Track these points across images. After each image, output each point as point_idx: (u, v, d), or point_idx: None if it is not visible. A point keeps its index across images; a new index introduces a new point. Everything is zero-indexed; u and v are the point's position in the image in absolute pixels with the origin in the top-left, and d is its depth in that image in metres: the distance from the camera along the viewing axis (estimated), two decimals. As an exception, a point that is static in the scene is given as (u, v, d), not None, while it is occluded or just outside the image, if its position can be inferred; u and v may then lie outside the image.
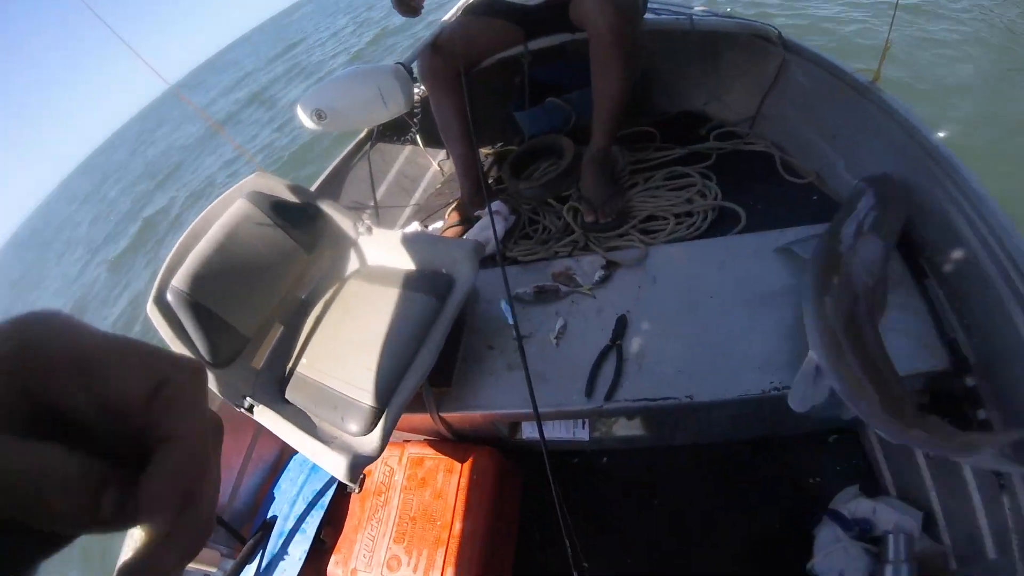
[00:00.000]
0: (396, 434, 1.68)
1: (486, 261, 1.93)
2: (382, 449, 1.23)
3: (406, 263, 1.61)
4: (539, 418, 1.11)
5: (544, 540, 1.64)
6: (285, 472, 1.69)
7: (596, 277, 1.69)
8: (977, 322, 1.30)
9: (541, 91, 2.49)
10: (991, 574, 1.13)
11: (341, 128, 1.79)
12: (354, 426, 1.26)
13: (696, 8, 2.41)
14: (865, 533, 1.32)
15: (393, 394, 1.29)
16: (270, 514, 1.60)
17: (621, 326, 1.53)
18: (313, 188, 2.19)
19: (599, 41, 1.66)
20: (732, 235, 1.71)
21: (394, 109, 1.74)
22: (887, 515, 1.33)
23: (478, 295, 1.82)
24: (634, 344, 1.49)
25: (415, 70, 1.87)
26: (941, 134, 1.48)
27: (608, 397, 1.39)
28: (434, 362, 1.33)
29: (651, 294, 1.62)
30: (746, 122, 2.33)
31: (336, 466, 1.18)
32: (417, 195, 2.80)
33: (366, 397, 1.28)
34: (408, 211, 2.63)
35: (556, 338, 1.57)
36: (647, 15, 2.10)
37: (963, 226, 1.34)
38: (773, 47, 2.20)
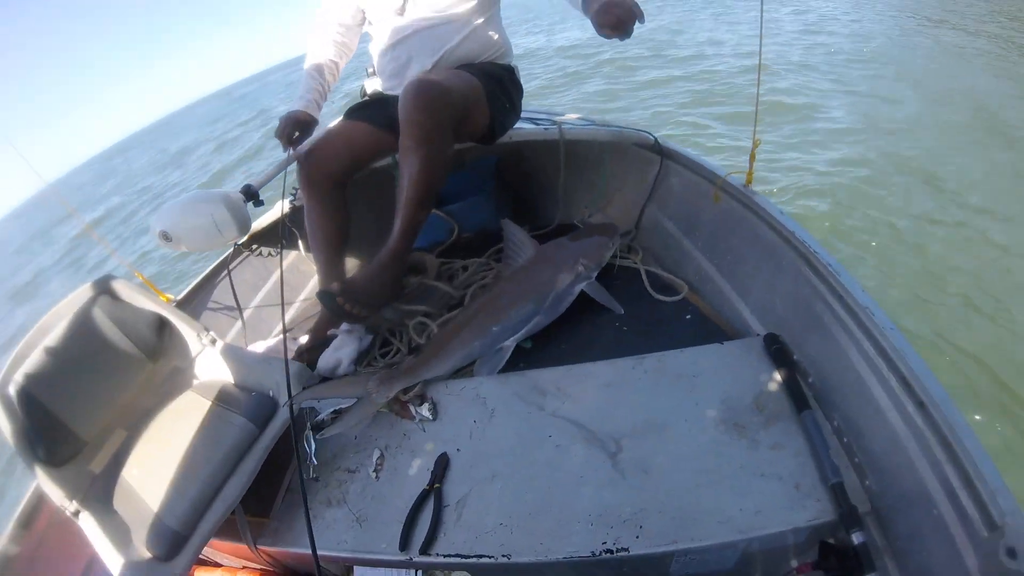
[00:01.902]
0: (235, 561, 1.59)
1: None
2: None
3: (240, 380, 1.61)
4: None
5: None
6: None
7: (425, 411, 1.54)
8: (870, 461, 1.21)
9: None
10: None
11: (189, 250, 1.84)
12: (156, 549, 1.25)
13: (572, 117, 2.49)
14: None
15: (199, 521, 1.28)
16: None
17: (441, 467, 1.41)
18: (180, 296, 2.19)
19: (401, 132, 1.70)
20: (586, 363, 1.60)
21: (229, 236, 1.81)
22: None
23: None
24: (456, 489, 1.37)
25: (259, 194, 1.95)
26: (817, 237, 1.53)
27: (423, 551, 1.26)
28: (244, 491, 1.33)
29: (486, 431, 1.48)
30: (627, 235, 2.34)
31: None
32: (296, 305, 2.65)
33: (172, 521, 1.26)
34: (281, 324, 2.48)
35: (375, 471, 1.46)
36: (522, 124, 2.19)
37: (849, 346, 1.30)
38: (650, 155, 2.26)
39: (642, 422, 1.40)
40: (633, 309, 1.90)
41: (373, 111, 2.05)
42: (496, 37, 2.05)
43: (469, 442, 1.46)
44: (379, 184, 2.20)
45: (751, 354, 1.54)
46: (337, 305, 1.76)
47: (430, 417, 1.52)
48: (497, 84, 1.96)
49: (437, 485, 1.36)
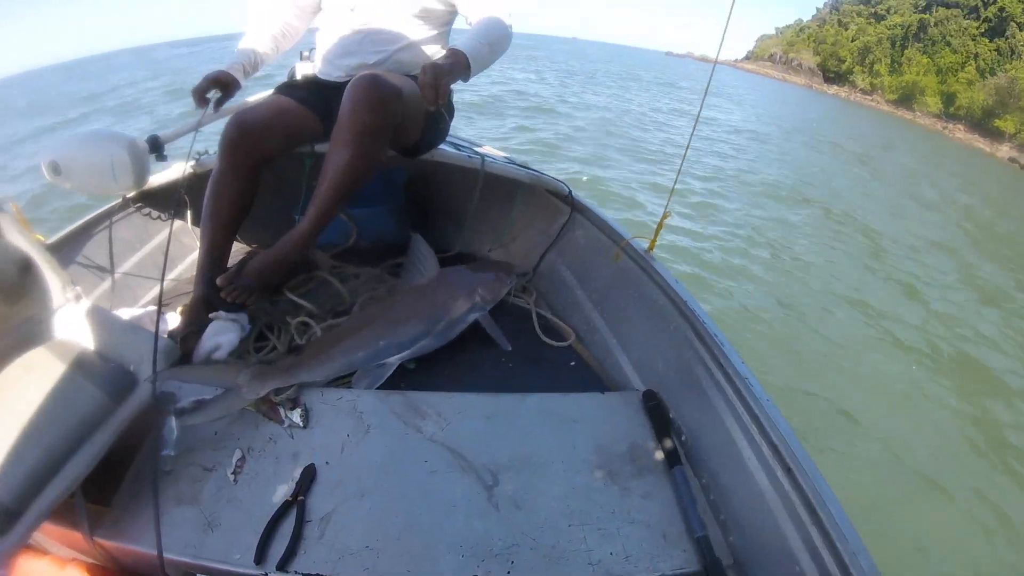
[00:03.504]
0: (65, 551, 1.40)
1: None
2: (4, 560, 1.10)
3: (101, 346, 1.45)
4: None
5: None
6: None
7: (296, 416, 1.48)
8: (734, 517, 1.31)
9: None
10: None
11: (76, 189, 1.73)
12: None
13: (493, 151, 2.59)
14: None
15: (35, 498, 1.14)
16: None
17: (307, 479, 1.35)
18: (50, 240, 1.95)
19: (339, 121, 1.68)
20: (470, 393, 1.63)
21: (122, 185, 1.72)
22: None
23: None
24: (321, 504, 1.31)
25: (165, 148, 1.88)
26: (707, 308, 1.69)
27: (281, 566, 1.19)
28: (88, 470, 1.20)
29: (359, 446, 1.46)
30: (525, 276, 2.41)
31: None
32: (171, 279, 2.46)
33: (3, 492, 1.12)
34: (152, 293, 2.31)
35: (233, 473, 1.36)
36: (444, 147, 2.23)
37: (724, 411, 1.42)
38: (562, 204, 2.39)
39: (520, 458, 1.44)
40: (520, 347, 1.97)
41: (308, 94, 2.01)
42: (442, 50, 2.09)
43: (340, 456, 1.42)
44: (282, 172, 2.12)
45: (629, 407, 1.64)
46: (220, 299, 1.72)
47: (300, 424, 1.47)
48: None
49: (301, 497, 1.29)
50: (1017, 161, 37.51)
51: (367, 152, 1.70)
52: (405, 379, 1.76)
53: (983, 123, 47.75)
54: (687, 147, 2.01)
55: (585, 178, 8.08)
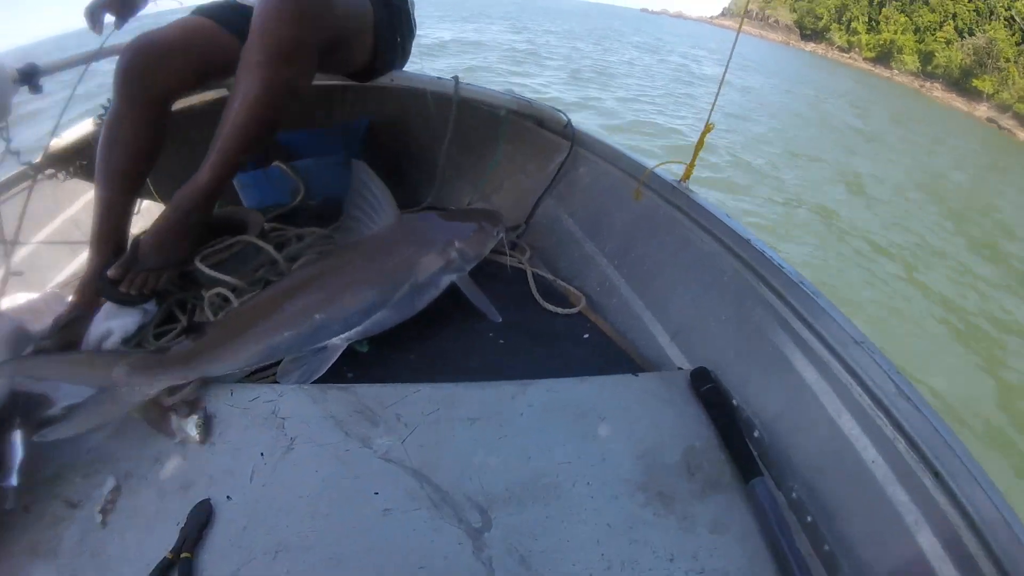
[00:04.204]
0: None
1: None
2: None
3: None
4: None
5: None
6: None
7: (191, 427, 1.02)
8: (849, 549, 0.94)
9: (267, 152, 2.12)
10: None
11: None
12: None
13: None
14: None
15: None
16: None
17: (198, 523, 0.90)
18: None
19: (248, 38, 1.35)
20: (444, 383, 1.20)
21: None
22: None
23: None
24: (217, 564, 0.87)
25: (41, 79, 1.65)
26: (779, 252, 1.29)
27: None
28: None
29: (277, 472, 1.00)
30: (516, 229, 2.03)
31: None
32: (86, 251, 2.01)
33: None
34: (66, 272, 1.93)
35: (102, 512, 0.93)
36: (408, 68, 1.93)
37: (821, 388, 1.06)
38: (559, 139, 2.00)
39: (522, 481, 1.01)
40: (515, 318, 1.53)
41: (227, 13, 1.68)
42: None
43: (248, 487, 0.96)
44: (198, 121, 1.67)
45: (673, 393, 1.22)
46: (121, 294, 1.38)
47: (196, 438, 1.01)
48: (389, 13, 1.72)
49: (186, 554, 0.85)
50: (995, 122, 38.32)
51: (281, 79, 1.34)
52: (355, 367, 1.32)
53: (961, 83, 48.64)
54: (731, 55, 1.56)
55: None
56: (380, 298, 1.33)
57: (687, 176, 1.53)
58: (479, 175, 2.25)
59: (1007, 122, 37.83)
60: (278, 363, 1.23)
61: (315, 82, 1.51)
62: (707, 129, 1.47)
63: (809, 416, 1.05)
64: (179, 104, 1.62)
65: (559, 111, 1.96)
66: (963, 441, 0.83)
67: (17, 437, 0.96)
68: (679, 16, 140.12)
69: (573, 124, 1.94)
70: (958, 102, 45.57)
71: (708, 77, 18.66)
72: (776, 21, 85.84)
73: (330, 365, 1.23)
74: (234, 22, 1.65)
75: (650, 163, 1.64)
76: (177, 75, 1.57)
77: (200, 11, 1.71)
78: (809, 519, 0.99)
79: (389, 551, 0.89)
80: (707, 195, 1.49)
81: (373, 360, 1.36)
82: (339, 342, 1.28)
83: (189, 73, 1.60)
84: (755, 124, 11.74)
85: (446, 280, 1.46)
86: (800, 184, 8.56)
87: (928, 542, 0.82)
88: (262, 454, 1.00)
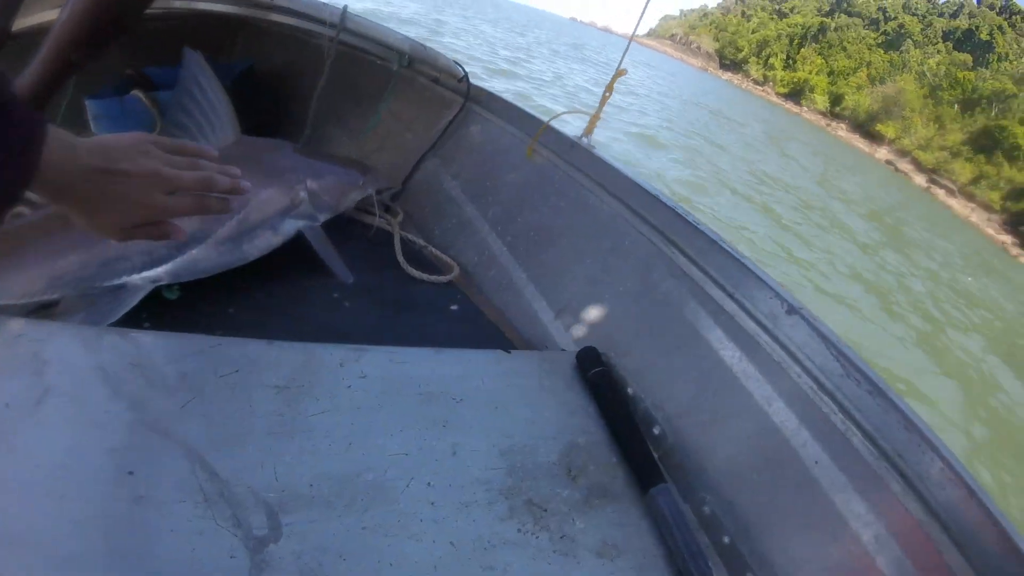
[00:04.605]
0: None
1: None
2: None
3: None
4: None
5: None
6: None
7: None
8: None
9: (128, 81, 1.88)
10: None
11: None
12: None
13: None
14: None
15: None
16: None
17: None
18: None
19: None
20: (260, 340, 0.95)
21: None
22: None
23: None
24: None
25: None
26: (691, 213, 1.12)
27: None
28: None
29: (23, 430, 0.71)
30: (389, 189, 1.78)
31: None
32: None
33: None
34: None
35: None
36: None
37: (743, 371, 0.88)
38: (451, 94, 1.82)
39: (336, 476, 0.74)
40: (370, 282, 1.30)
41: None
42: None
43: None
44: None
45: (555, 376, 0.99)
46: None
47: None
48: None
49: None
50: (893, 164, 42.17)
51: None
52: (156, 318, 1.06)
53: (865, 125, 52.57)
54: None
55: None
56: (198, 232, 1.07)
57: (590, 130, 1.36)
58: (360, 126, 2.02)
59: (904, 166, 41.89)
60: (61, 300, 0.99)
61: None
62: (618, 74, 1.32)
63: (729, 407, 0.86)
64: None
65: (456, 63, 1.77)
66: (936, 431, 0.65)
67: None
68: (606, 30, 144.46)
69: (470, 79, 1.75)
70: (860, 143, 49.47)
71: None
72: (699, 47, 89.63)
73: (128, 309, 0.98)
74: None
75: (542, 116, 1.47)
76: None
77: None
78: (727, 540, 0.81)
79: (137, 555, 0.62)
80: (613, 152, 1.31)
81: (182, 309, 1.10)
82: (140, 281, 1.02)
83: None
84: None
85: (289, 226, 1.21)
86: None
87: (895, 566, 0.64)
88: (8, 405, 0.71)
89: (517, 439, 0.85)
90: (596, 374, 0.96)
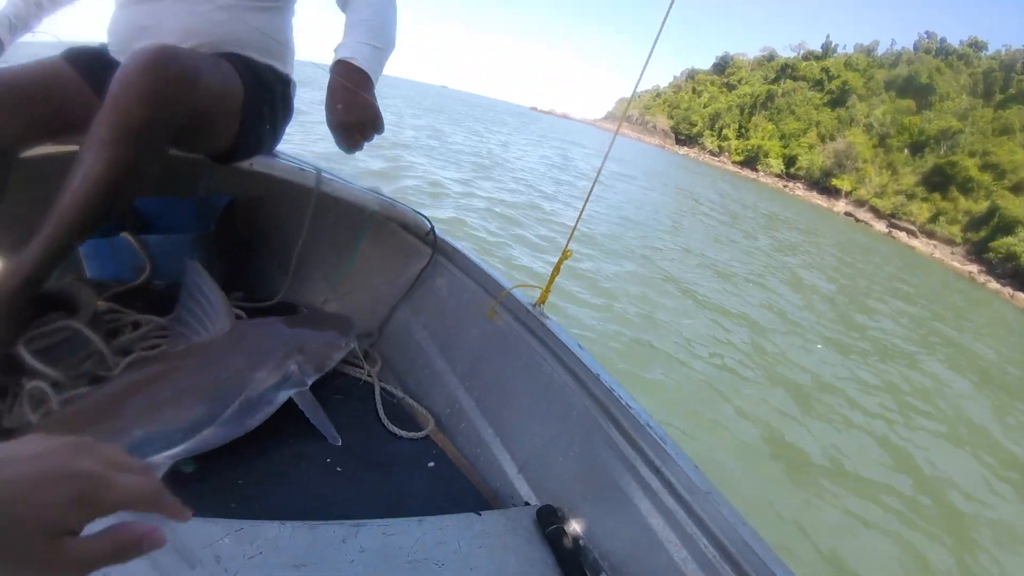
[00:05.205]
0: None
1: None
2: None
3: None
4: None
5: None
6: None
7: None
8: None
9: (117, 217, 1.91)
10: None
11: None
12: None
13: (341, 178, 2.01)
14: None
15: None
16: None
17: None
18: None
19: (101, 110, 1.21)
20: (271, 522, 1.07)
21: None
22: None
23: None
24: None
25: None
26: (626, 391, 1.25)
27: None
28: None
29: None
30: (369, 337, 1.90)
31: None
32: None
33: None
34: None
35: None
36: (272, 159, 1.73)
37: (664, 532, 1.02)
38: (420, 244, 1.92)
39: None
40: (356, 440, 1.42)
41: (95, 64, 1.51)
42: (280, 33, 1.64)
43: None
44: (47, 172, 1.52)
45: (519, 535, 1.13)
46: None
47: None
48: (263, 96, 1.57)
49: None
50: (853, 215, 43.06)
51: (126, 160, 1.22)
52: (177, 492, 1.16)
53: (821, 182, 54.00)
54: (598, 174, 1.59)
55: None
56: (207, 415, 1.20)
57: (542, 300, 1.48)
58: (336, 272, 2.14)
59: (863, 215, 42.87)
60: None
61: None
62: (564, 256, 1.43)
63: (656, 563, 1.00)
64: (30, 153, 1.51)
65: (423, 216, 1.88)
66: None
67: None
68: (565, 117, 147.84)
69: (436, 232, 1.87)
70: (819, 199, 50.62)
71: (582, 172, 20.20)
72: (654, 126, 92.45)
73: None
74: (99, 75, 1.48)
75: (508, 283, 1.59)
76: (27, 126, 1.43)
77: (68, 56, 1.55)
78: None
79: None
80: (566, 314, 1.47)
81: (197, 481, 1.23)
82: (161, 460, 1.14)
83: (41, 126, 1.46)
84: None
85: (283, 396, 1.35)
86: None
87: None
88: None
89: None
90: (553, 531, 1.11)
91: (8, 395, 1.31)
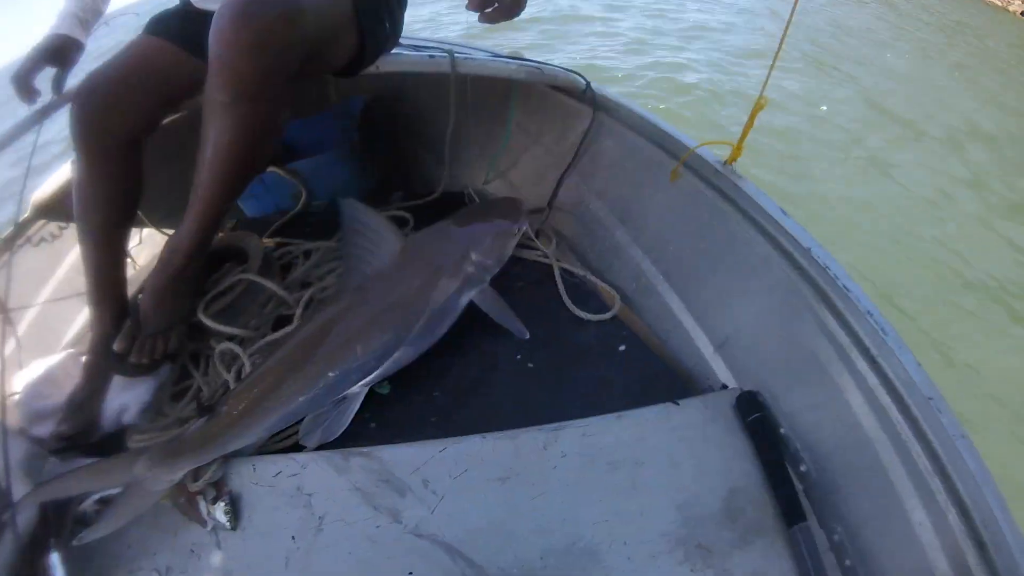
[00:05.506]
0: None
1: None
2: None
3: None
4: None
5: None
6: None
7: (220, 513, 1.02)
8: None
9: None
10: None
11: None
12: None
13: (478, 51, 1.84)
14: None
15: None
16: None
17: None
18: None
19: (208, 76, 1.12)
20: (472, 436, 1.14)
21: None
22: None
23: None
24: None
25: None
26: (843, 269, 1.10)
27: None
28: None
29: (311, 556, 0.99)
30: (539, 214, 1.82)
31: None
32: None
33: None
34: (79, 321, 1.75)
35: None
36: (399, 51, 1.57)
37: (872, 422, 0.97)
38: (578, 105, 1.75)
39: (558, 549, 0.97)
40: (543, 332, 1.41)
41: (183, 24, 1.45)
42: None
43: (284, 574, 0.97)
44: (182, 132, 1.50)
45: (718, 422, 1.14)
46: (131, 366, 1.30)
47: (227, 524, 1.02)
48: None
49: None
50: None
51: (253, 119, 1.16)
52: (376, 415, 1.27)
53: None
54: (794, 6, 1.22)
55: (620, 74, 6.10)
56: (396, 338, 1.24)
57: (734, 158, 1.31)
58: (492, 150, 2.04)
59: None
60: (299, 423, 1.19)
61: None
62: (759, 105, 1.21)
63: (862, 462, 0.96)
64: None
65: (575, 73, 1.68)
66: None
67: (55, 560, 0.96)
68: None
69: (594, 87, 1.68)
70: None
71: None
72: None
73: (353, 415, 1.19)
74: (193, 35, 1.40)
75: (690, 140, 1.41)
76: (139, 113, 1.38)
77: (152, 29, 1.48)
78: (848, 563, 0.95)
79: None
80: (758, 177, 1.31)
81: (395, 401, 1.30)
82: (358, 389, 1.22)
83: (153, 107, 1.41)
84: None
85: (465, 300, 1.35)
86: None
87: None
88: (293, 538, 0.99)
89: (689, 493, 1.02)
90: (754, 419, 1.10)
91: (201, 359, 1.43)
